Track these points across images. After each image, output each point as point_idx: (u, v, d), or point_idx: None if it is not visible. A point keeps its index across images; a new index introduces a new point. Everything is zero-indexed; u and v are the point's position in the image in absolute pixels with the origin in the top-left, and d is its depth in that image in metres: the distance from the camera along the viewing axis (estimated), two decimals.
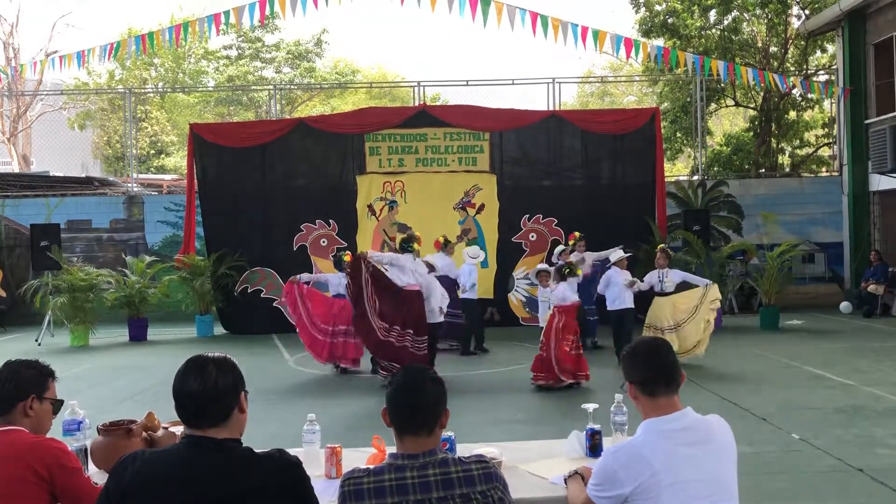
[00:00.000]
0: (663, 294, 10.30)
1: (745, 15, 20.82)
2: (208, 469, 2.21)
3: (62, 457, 2.68)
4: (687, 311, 9.90)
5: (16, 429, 2.73)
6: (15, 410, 2.78)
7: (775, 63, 20.68)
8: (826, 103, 20.86)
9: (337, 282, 10.48)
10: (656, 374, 2.58)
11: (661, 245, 11.33)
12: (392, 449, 2.42)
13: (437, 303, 9.39)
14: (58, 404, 2.94)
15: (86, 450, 3.33)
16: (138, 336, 13.97)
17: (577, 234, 11.91)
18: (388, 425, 2.41)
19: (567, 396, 8.29)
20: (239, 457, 2.26)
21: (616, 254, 10.63)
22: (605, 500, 2.51)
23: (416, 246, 9.48)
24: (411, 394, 2.39)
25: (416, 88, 17.27)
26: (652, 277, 10.50)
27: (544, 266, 10.63)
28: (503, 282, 14.87)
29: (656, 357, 2.61)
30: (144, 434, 3.36)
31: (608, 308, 10.55)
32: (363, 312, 8.97)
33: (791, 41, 20.89)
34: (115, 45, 14.82)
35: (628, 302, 10.30)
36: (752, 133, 21.54)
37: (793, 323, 14.00)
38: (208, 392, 2.26)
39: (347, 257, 9.70)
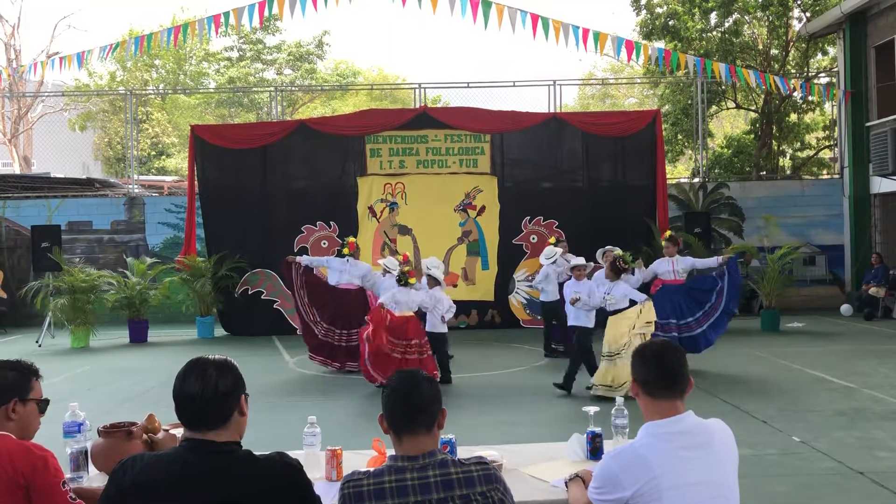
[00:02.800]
0: (611, 312, 8.50)
1: (746, 17, 20.82)
2: (208, 472, 2.20)
3: (40, 467, 2.60)
4: (624, 334, 8.23)
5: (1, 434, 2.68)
6: None
7: (776, 65, 20.68)
8: (827, 106, 20.84)
9: (339, 267, 10.51)
10: (658, 376, 2.59)
11: (614, 249, 9.30)
12: (392, 451, 2.42)
13: (441, 311, 9.48)
14: (44, 404, 2.88)
15: (86, 452, 3.33)
16: (139, 337, 13.97)
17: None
18: (385, 432, 2.41)
19: (567, 400, 8.29)
20: (239, 460, 2.25)
21: (575, 260, 9.40)
22: (605, 503, 2.51)
23: (345, 251, 10.48)
24: (407, 394, 2.38)
25: (417, 90, 17.29)
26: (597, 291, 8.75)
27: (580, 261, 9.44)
28: (504, 284, 14.87)
29: (660, 359, 2.61)
30: (145, 436, 3.36)
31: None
32: (296, 308, 10.49)
33: (792, 43, 20.89)
34: (113, 46, 14.85)
35: (583, 320, 8.70)
36: (753, 135, 21.53)
37: (794, 325, 13.99)
38: (208, 394, 2.26)
39: (347, 249, 10.23)
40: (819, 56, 21.75)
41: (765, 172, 20.08)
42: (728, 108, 22.83)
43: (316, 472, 3.27)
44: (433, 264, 9.97)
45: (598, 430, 3.51)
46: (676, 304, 9.87)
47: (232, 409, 2.30)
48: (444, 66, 59.92)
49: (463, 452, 3.34)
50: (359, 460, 3.40)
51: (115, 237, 16.96)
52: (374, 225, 14.97)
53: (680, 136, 20.84)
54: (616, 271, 8.58)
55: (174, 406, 2.30)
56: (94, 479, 3.27)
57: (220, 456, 2.24)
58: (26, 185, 18.27)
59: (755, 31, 21.30)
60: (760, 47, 21.16)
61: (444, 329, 9.48)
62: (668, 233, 10.83)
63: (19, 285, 15.88)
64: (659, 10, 21.04)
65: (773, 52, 21.16)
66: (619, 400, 3.65)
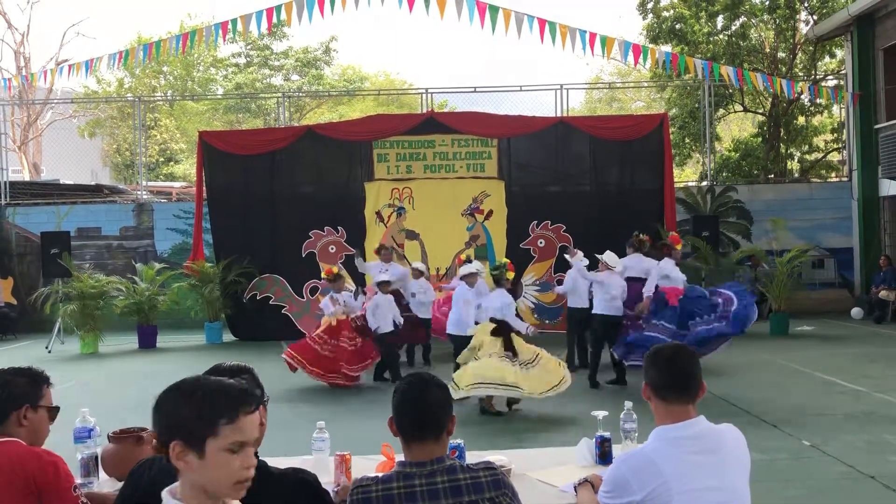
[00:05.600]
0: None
1: (753, 20, 20.79)
2: None
3: (51, 472, 2.62)
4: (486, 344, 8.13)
5: (9, 440, 2.69)
6: (9, 421, 2.73)
7: (783, 68, 20.63)
8: (835, 108, 20.79)
9: (377, 269, 10.96)
10: (670, 380, 2.58)
11: (506, 261, 9.02)
12: (401, 457, 2.42)
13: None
14: (54, 411, 2.89)
15: (96, 457, 3.34)
16: (148, 343, 14.01)
17: None
18: (394, 435, 2.40)
19: (576, 405, 8.27)
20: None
21: (464, 268, 9.57)
22: None
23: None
24: (417, 400, 2.38)
25: (424, 95, 17.30)
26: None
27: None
28: (512, 288, 14.82)
29: (673, 363, 2.60)
30: (154, 442, 3.37)
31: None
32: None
33: (799, 46, 20.85)
34: (123, 54, 14.92)
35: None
36: (760, 138, 21.48)
37: (803, 329, 13.94)
38: None
39: (325, 273, 10.30)
40: (827, 59, 21.69)
41: (773, 175, 20.03)
42: (735, 112, 22.79)
43: (325, 477, 3.27)
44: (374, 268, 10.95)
45: (606, 434, 3.50)
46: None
47: None
48: (451, 70, 60.01)
49: (472, 457, 3.34)
50: (368, 465, 3.40)
51: (123, 243, 17.02)
52: (381, 230, 14.99)
53: (687, 140, 20.80)
54: (497, 281, 8.65)
55: None
56: (105, 484, 3.28)
57: None
58: (36, 191, 18.37)
59: (762, 34, 21.25)
60: (768, 50, 21.11)
61: (388, 329, 9.96)
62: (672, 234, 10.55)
63: (29, 291, 15.97)
64: (666, 13, 21.03)
65: (781, 55, 21.12)
66: (629, 404, 3.64)
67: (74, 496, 2.64)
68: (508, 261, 9.19)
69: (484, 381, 7.67)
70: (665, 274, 9.57)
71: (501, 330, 8.19)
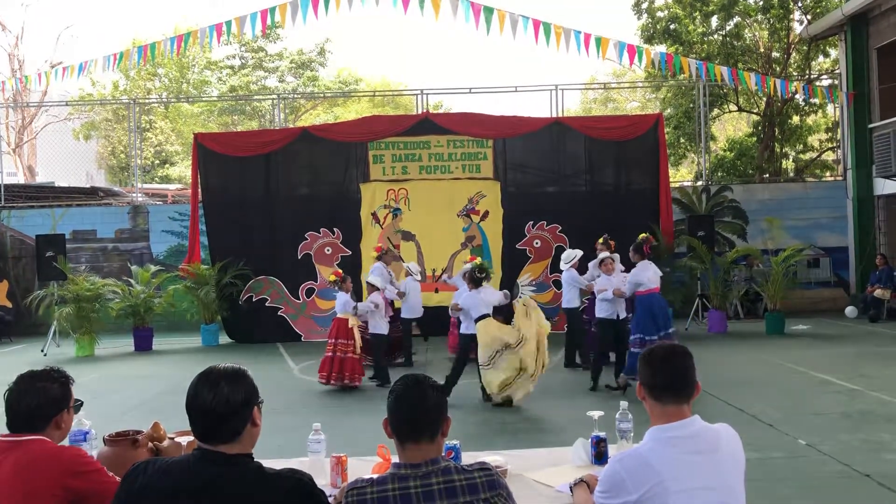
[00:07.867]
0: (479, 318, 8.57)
1: (747, 20, 20.84)
2: (216, 484, 2.19)
3: (76, 464, 2.67)
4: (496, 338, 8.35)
5: (37, 438, 2.73)
6: (49, 425, 2.79)
7: (778, 68, 20.68)
8: (830, 107, 20.85)
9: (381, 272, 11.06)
10: (665, 381, 2.58)
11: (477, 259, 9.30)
12: (396, 458, 2.42)
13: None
14: (78, 405, 2.97)
15: None
16: (143, 346, 13.97)
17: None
18: (389, 436, 2.40)
19: (572, 405, 8.28)
20: (248, 474, 2.24)
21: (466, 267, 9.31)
22: None
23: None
24: (412, 401, 2.38)
25: (420, 96, 17.29)
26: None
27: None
28: (508, 289, 14.82)
29: (668, 363, 2.60)
30: (150, 444, 3.37)
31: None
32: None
33: (794, 46, 20.90)
34: (118, 56, 14.90)
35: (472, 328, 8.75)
36: (755, 138, 21.54)
37: (798, 328, 13.97)
38: (220, 410, 2.24)
39: (333, 274, 10.25)
40: (821, 58, 21.76)
41: (768, 175, 20.07)
42: (730, 111, 22.86)
43: (321, 479, 3.27)
44: (373, 271, 11.00)
45: (602, 434, 3.50)
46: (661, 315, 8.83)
47: (245, 423, 2.28)
48: (447, 71, 60.02)
49: (468, 458, 3.34)
50: (363, 467, 3.40)
51: (119, 246, 17.00)
52: (377, 231, 14.98)
53: (682, 140, 20.85)
54: (474, 281, 8.64)
55: (188, 419, 2.29)
56: None
57: (230, 468, 2.23)
58: (31, 194, 18.34)
59: (756, 33, 21.31)
60: (762, 50, 21.17)
61: (382, 331, 10.01)
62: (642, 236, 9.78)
63: (24, 294, 15.92)
64: (660, 14, 21.08)
65: (775, 54, 21.18)
66: (624, 404, 3.65)
67: (108, 474, 2.70)
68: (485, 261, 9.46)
69: (508, 382, 8.09)
70: (636, 282, 8.94)
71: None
